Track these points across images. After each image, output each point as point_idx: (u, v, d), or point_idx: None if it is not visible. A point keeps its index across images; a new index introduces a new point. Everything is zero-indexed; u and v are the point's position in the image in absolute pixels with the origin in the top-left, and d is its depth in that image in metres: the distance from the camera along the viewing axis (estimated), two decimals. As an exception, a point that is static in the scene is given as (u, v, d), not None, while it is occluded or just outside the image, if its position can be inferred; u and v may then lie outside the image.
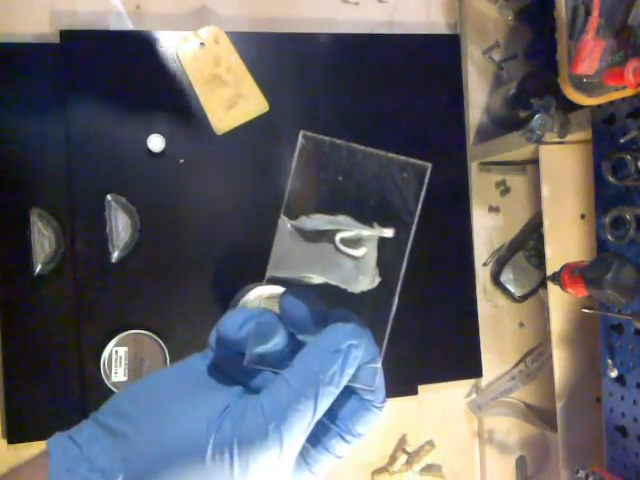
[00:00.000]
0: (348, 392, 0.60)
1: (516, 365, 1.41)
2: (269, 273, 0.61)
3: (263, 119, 1.22)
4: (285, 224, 0.61)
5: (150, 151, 1.15)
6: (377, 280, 0.62)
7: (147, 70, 1.17)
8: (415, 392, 1.32)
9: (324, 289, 0.62)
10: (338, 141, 0.61)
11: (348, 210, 0.62)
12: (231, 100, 1.21)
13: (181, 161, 1.18)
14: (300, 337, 0.60)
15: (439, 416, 1.41)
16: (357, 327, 0.58)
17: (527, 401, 1.41)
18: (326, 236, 0.61)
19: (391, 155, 0.62)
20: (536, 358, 1.39)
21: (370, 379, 0.60)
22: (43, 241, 1.13)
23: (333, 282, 0.61)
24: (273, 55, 1.24)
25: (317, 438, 0.59)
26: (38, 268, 1.14)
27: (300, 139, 0.61)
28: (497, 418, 1.41)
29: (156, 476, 0.53)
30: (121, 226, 1.14)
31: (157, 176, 1.17)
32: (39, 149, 1.15)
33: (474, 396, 1.42)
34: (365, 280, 0.62)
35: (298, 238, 0.62)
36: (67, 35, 1.15)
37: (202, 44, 1.19)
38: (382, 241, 0.63)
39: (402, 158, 0.63)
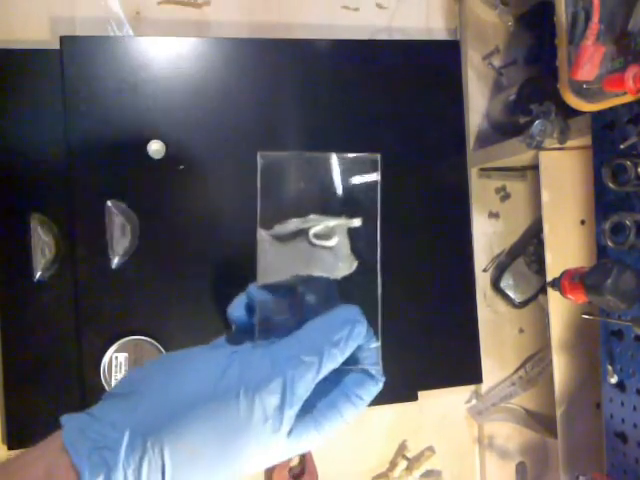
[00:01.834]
0: (353, 369, 0.67)
1: (516, 371, 1.41)
2: (260, 282, 0.68)
3: (263, 125, 1.22)
4: (263, 235, 0.68)
5: (150, 157, 1.15)
6: (354, 264, 0.68)
7: (147, 76, 1.17)
8: (415, 398, 1.32)
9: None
10: (293, 152, 0.69)
11: (316, 211, 0.68)
12: None
13: (181, 167, 1.18)
14: None
15: (439, 422, 1.41)
16: (360, 310, 0.65)
17: (527, 407, 1.41)
18: (301, 235, 0.67)
19: (342, 154, 0.68)
20: (536, 364, 1.39)
21: (374, 357, 0.67)
22: (43, 247, 1.13)
23: (317, 274, 0.67)
24: (273, 61, 1.24)
25: (327, 398, 0.65)
26: (38, 274, 1.14)
27: (259, 159, 0.66)
28: (497, 424, 1.41)
29: (166, 422, 0.56)
30: (121, 232, 1.14)
31: (157, 182, 1.17)
32: (39, 155, 1.15)
33: (474, 402, 1.42)
34: (344, 266, 0.68)
35: (277, 244, 0.68)
36: (67, 41, 1.14)
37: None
38: (354, 232, 0.69)
39: (352, 155, 0.68)
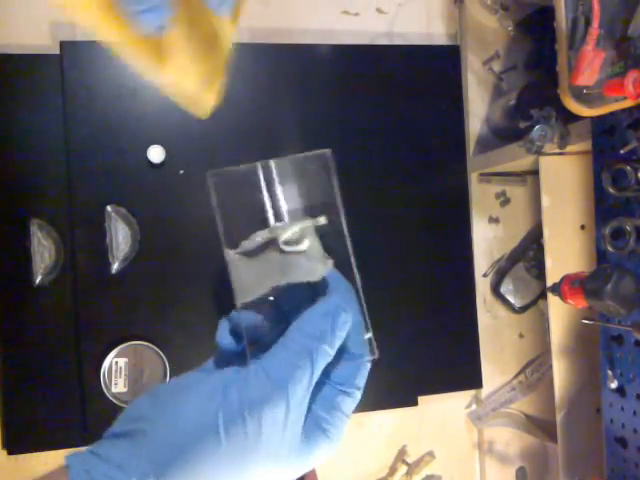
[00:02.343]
0: (341, 358, 0.65)
1: (516, 376, 1.41)
2: (239, 302, 0.66)
3: (263, 129, 1.22)
4: (231, 255, 0.67)
5: (150, 162, 1.15)
6: (329, 262, 0.67)
7: (147, 81, 1.16)
8: (415, 403, 1.32)
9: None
10: (241, 166, 0.68)
11: (279, 218, 0.68)
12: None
13: (181, 172, 1.17)
14: None
15: (439, 427, 1.41)
16: (344, 297, 0.65)
17: (527, 412, 1.41)
18: (270, 246, 0.67)
19: (292, 156, 0.68)
20: (536, 369, 1.38)
21: (362, 341, 0.66)
22: (43, 252, 1.13)
23: (296, 281, 0.66)
24: (273, 66, 1.24)
25: (325, 401, 0.63)
26: (38, 279, 1.14)
27: (208, 178, 0.69)
28: (497, 429, 1.41)
29: (175, 459, 0.55)
30: (121, 237, 1.14)
31: (157, 187, 1.17)
32: (39, 160, 1.15)
33: (474, 407, 1.42)
34: (320, 266, 0.67)
35: (247, 261, 0.67)
36: (67, 46, 1.15)
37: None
38: (322, 230, 0.68)
39: (302, 155, 0.68)
